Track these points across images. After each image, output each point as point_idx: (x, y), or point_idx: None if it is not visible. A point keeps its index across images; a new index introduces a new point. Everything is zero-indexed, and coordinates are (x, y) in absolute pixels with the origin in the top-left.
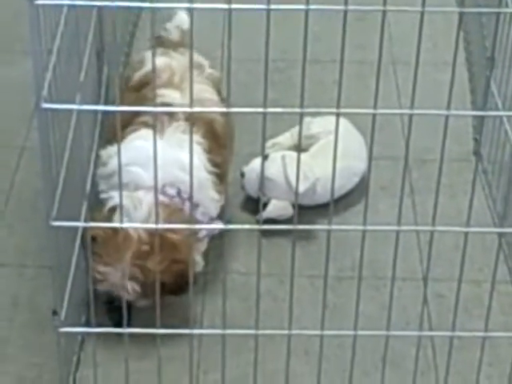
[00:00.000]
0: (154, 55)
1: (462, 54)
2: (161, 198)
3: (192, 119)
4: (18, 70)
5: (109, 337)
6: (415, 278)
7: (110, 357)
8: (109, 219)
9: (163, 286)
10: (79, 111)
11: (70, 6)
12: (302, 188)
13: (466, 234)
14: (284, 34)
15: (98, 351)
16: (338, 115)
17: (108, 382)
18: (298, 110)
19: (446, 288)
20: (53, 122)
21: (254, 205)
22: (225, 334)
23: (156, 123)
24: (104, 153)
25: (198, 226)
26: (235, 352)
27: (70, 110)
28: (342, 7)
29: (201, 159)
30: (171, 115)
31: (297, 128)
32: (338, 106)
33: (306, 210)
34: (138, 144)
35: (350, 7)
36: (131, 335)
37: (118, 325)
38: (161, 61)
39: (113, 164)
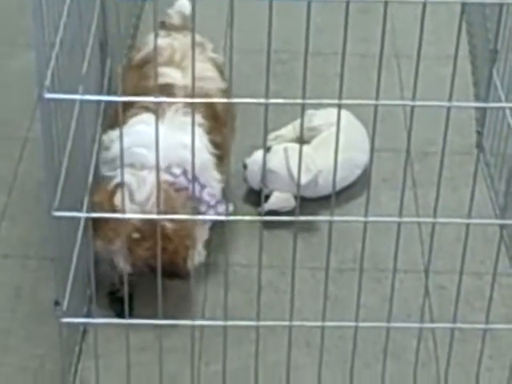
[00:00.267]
0: (156, 36)
1: (466, 47)
2: (166, 176)
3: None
4: (20, 62)
5: (111, 327)
6: (417, 270)
7: (112, 347)
8: (112, 195)
9: (152, 269)
10: (82, 101)
11: None
12: (304, 180)
13: (468, 225)
14: (287, 25)
15: (100, 342)
16: (339, 106)
17: (110, 372)
18: (299, 101)
19: (447, 280)
20: (55, 113)
21: (256, 197)
22: (226, 326)
23: (157, 108)
24: (106, 137)
25: (199, 217)
26: (236, 343)
27: (73, 101)
28: None
29: (202, 141)
30: (171, 96)
31: (299, 120)
32: (339, 97)
33: (307, 202)
34: (139, 128)
35: None
36: (133, 326)
37: (120, 316)
38: (163, 41)
39: (115, 148)
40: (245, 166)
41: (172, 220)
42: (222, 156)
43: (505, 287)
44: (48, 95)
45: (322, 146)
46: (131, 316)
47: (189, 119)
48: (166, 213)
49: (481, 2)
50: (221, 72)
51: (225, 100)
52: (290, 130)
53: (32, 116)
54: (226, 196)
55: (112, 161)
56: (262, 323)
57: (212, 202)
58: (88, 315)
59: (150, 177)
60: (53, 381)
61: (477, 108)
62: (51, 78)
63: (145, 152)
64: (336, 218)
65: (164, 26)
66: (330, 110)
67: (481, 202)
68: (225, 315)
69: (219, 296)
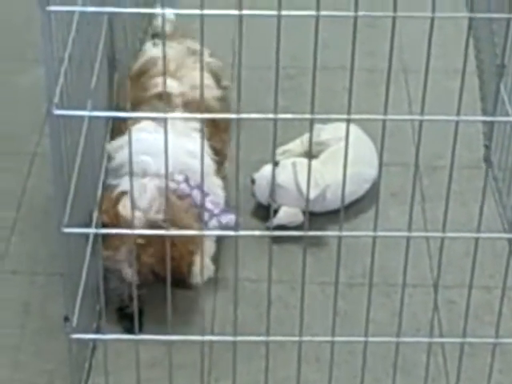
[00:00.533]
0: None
1: (473, 61)
2: (169, 183)
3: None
4: (29, 77)
5: (120, 343)
6: (426, 285)
7: (122, 363)
8: (116, 203)
9: (157, 276)
10: (90, 118)
11: (82, 13)
12: (312, 195)
13: (477, 239)
14: (294, 41)
15: (110, 358)
16: (348, 121)
17: None
18: (308, 116)
19: (456, 294)
20: (64, 129)
21: (264, 212)
22: (236, 341)
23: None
24: (109, 147)
25: (208, 233)
26: (246, 359)
27: (82, 117)
28: (352, 13)
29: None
30: (169, 104)
31: (307, 135)
32: (348, 112)
33: (316, 217)
34: (141, 136)
35: (360, 13)
36: (142, 342)
37: (130, 331)
38: (157, 51)
39: (119, 157)
40: (253, 181)
41: (176, 226)
42: (221, 162)
43: None
44: (57, 111)
45: (331, 160)
46: (141, 332)
47: (189, 125)
48: (169, 220)
49: (488, 16)
50: (217, 79)
51: (233, 116)
52: (298, 144)
53: (41, 131)
54: (234, 209)
55: (116, 169)
56: (271, 338)
57: (216, 211)
58: (97, 331)
59: (151, 184)
60: None
61: (484, 122)
62: (60, 95)
63: (146, 159)
64: (345, 234)
65: (157, 36)
66: (338, 125)
67: (489, 217)
68: (234, 331)
69: (228, 311)
